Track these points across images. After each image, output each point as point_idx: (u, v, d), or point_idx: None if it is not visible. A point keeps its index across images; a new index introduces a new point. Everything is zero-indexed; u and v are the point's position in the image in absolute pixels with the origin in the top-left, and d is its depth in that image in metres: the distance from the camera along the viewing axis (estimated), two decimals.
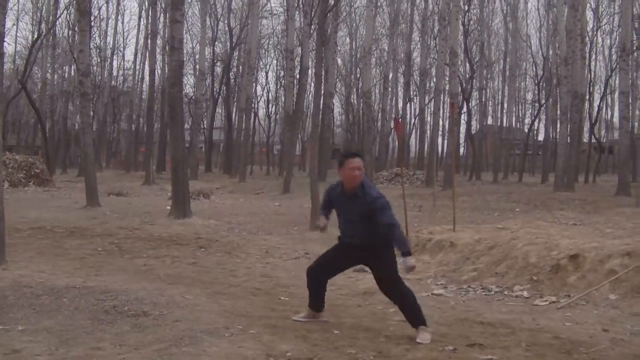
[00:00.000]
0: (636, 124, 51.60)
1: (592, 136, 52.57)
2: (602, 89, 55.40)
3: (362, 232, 6.74)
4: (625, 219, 14.00)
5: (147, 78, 52.46)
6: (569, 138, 33.80)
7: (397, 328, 7.08)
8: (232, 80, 60.44)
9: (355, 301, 8.64)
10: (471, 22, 54.46)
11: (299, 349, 6.12)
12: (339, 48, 58.53)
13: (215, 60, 61.63)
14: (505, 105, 58.39)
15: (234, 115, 57.31)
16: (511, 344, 6.48)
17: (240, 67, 56.82)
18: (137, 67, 58.56)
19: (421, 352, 6.14)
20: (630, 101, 33.25)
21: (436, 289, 9.55)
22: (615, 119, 51.88)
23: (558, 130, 33.35)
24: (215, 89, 61.95)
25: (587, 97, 49.96)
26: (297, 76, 42.42)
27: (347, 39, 64.11)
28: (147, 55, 50.39)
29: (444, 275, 10.39)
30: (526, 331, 7.06)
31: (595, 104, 56.32)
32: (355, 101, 63.06)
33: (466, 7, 51.68)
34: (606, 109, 62.45)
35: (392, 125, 54.14)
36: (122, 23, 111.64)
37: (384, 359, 5.95)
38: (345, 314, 7.74)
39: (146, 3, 52.75)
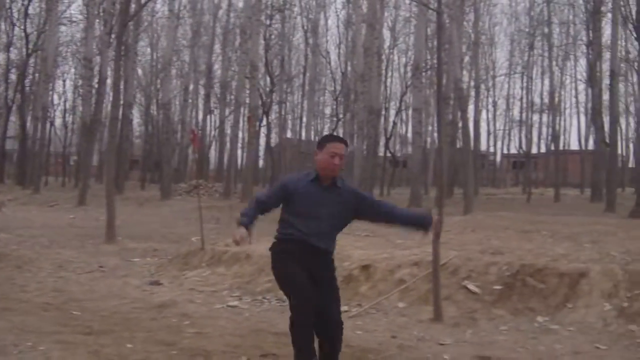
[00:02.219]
0: (429, 139, 53.88)
1: (387, 150, 54.48)
2: (398, 104, 57.58)
3: (330, 235, 5.66)
4: None
5: None
6: (365, 152, 34.88)
7: (191, 341, 7.07)
8: (28, 88, 58.17)
9: (150, 314, 8.53)
10: (272, 36, 55.12)
11: None
12: (140, 58, 57.63)
13: (10, 67, 59.12)
14: (305, 119, 59.47)
15: (28, 124, 55.18)
16: None
17: (37, 74, 54.80)
18: None
19: None
20: (422, 117, 34.77)
21: (231, 301, 9.61)
22: (409, 134, 54.07)
23: (355, 144, 34.31)
24: (9, 97, 59.42)
25: (383, 112, 51.76)
26: (96, 85, 41.43)
27: (148, 49, 63.26)
28: None
29: (239, 287, 10.45)
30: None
31: (391, 119, 58.39)
32: (155, 112, 62.28)
33: (268, 22, 52.27)
34: (401, 124, 64.89)
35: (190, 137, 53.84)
36: None
37: None
38: (139, 328, 7.64)
39: None
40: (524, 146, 54.44)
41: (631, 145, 60.77)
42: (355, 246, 11.30)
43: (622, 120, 58.51)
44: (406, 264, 9.62)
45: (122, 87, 37.44)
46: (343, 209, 5.60)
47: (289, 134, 66.78)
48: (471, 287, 8.93)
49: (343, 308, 8.91)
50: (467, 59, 47.33)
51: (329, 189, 5.57)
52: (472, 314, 8.49)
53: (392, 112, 59.27)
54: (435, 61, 44.29)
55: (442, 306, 8.39)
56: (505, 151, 72.45)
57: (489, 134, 68.19)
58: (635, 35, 34.76)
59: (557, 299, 8.56)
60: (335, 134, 5.74)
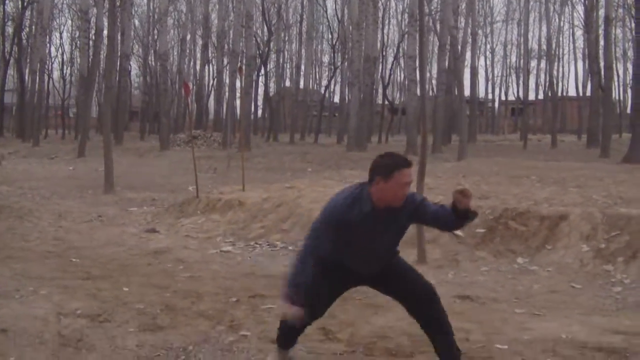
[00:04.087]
0: (427, 86, 53.91)
1: (385, 98, 54.52)
2: (395, 52, 57.49)
3: (391, 252, 4.84)
4: None
5: None
6: (361, 100, 35.01)
7: (184, 284, 7.42)
8: (25, 41, 58.03)
9: (146, 260, 8.88)
10: None
11: (89, 306, 6.35)
12: (136, 9, 57.55)
13: (6, 20, 58.92)
14: (303, 68, 59.44)
15: (26, 77, 55.16)
16: None
17: (33, 27, 54.65)
18: None
19: (205, 305, 6.52)
20: (417, 65, 34.81)
21: (224, 246, 9.96)
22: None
23: (351, 92, 34.48)
24: (6, 50, 59.30)
25: (381, 60, 51.75)
26: (93, 37, 41.42)
27: None
28: None
29: (233, 233, 10.79)
30: None
31: (389, 67, 58.36)
32: (153, 63, 62.21)
33: None
34: (400, 72, 64.81)
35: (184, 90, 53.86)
36: None
37: (170, 312, 6.28)
38: (135, 273, 7.99)
39: None
40: (521, 93, 54.51)
41: (629, 91, 60.80)
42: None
43: (620, 66, 58.59)
44: None
45: (118, 38, 37.58)
46: (404, 224, 4.72)
47: (287, 83, 66.82)
48: (456, 230, 9.24)
49: None
50: (464, 5, 47.24)
51: (394, 211, 4.55)
52: (455, 256, 8.83)
53: (390, 59, 59.26)
54: (432, 8, 44.46)
55: (427, 249, 8.72)
56: (503, 98, 72.61)
57: (487, 80, 68.33)
58: None
59: (537, 241, 8.90)
60: (400, 155, 4.24)
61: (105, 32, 35.15)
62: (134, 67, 64.52)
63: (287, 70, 66.46)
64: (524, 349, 5.31)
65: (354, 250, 4.63)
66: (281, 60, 61.20)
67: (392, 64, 57.92)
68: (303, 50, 57.69)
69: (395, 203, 4.46)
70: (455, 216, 4.46)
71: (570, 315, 6.42)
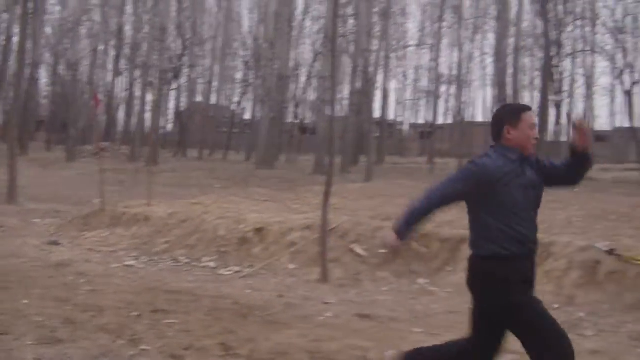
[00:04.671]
0: (338, 106, 54.35)
1: (296, 117, 54.75)
2: (308, 71, 57.77)
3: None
4: (313, 196, 15.06)
5: None
6: (272, 118, 35.08)
7: (85, 297, 7.35)
8: None
9: (47, 273, 8.75)
10: None
11: None
12: (49, 16, 56.46)
13: None
14: (216, 84, 59.22)
15: None
16: (192, 310, 6.99)
17: None
18: None
19: (106, 318, 6.48)
20: (331, 85, 35.11)
21: (128, 261, 9.90)
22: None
23: (262, 110, 34.58)
24: None
25: (294, 79, 51.95)
26: (3, 43, 40.59)
27: (58, 7, 61.91)
28: None
29: (137, 247, 10.73)
30: (209, 298, 7.60)
31: (301, 86, 58.54)
32: (63, 72, 61.11)
33: None
34: (311, 92, 65.03)
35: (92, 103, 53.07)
36: None
37: (70, 325, 6.21)
38: (36, 285, 7.86)
39: None
40: (431, 117, 55.41)
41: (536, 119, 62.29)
42: (251, 210, 11.70)
43: (527, 94, 60.07)
44: (298, 227, 10.05)
45: (29, 45, 36.86)
46: (540, 178, 4.34)
47: (199, 98, 66.47)
48: (358, 250, 9.41)
49: (235, 268, 9.44)
50: (378, 28, 47.83)
51: (535, 165, 4.31)
52: (357, 275, 8.98)
53: (303, 79, 59.52)
54: (346, 30, 44.90)
55: (330, 268, 8.84)
56: (413, 121, 73.62)
57: (398, 103, 69.20)
58: (539, 12, 35.69)
59: (438, 263, 9.12)
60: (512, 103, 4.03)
61: (15, 38, 34.56)
62: (44, 75, 63.18)
63: (200, 85, 66.11)
64: None
65: (518, 209, 4.20)
66: (194, 75, 60.76)
67: (305, 84, 58.20)
68: (216, 66, 57.59)
69: (529, 147, 4.23)
70: (577, 160, 4.26)
71: (467, 335, 6.59)
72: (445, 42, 55.56)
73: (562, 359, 4.04)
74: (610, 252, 8.38)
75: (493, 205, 4.21)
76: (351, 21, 38.82)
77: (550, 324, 4.13)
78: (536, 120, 4.43)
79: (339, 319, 6.98)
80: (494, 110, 4.42)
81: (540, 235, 8.87)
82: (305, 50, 60.95)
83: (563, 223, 11.21)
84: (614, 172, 41.83)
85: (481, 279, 4.49)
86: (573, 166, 4.29)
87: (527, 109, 4.36)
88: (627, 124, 45.41)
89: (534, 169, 4.25)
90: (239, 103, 59.82)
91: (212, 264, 9.63)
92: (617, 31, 43.21)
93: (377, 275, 8.98)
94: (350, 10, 37.75)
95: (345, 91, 49.02)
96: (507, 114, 4.33)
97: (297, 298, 7.86)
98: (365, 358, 5.56)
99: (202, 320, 6.57)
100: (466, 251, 8.98)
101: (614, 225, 11.25)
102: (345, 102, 42.40)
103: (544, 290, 8.15)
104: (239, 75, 66.19)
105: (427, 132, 61.40)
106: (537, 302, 4.25)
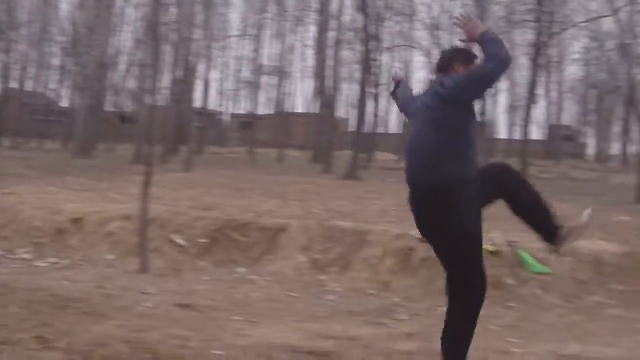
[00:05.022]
0: (159, 95, 53.56)
1: (116, 105, 53.66)
2: (129, 59, 56.62)
3: None
4: (132, 186, 14.81)
5: None
6: (90, 106, 34.24)
7: None
8: None
9: None
10: None
11: None
12: None
13: None
14: (32, 70, 57.10)
15: None
16: (7, 303, 6.76)
17: None
18: None
19: None
20: (152, 73, 34.61)
21: None
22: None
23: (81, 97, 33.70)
24: None
25: (113, 66, 50.83)
26: None
27: None
28: None
29: None
30: (24, 290, 7.36)
31: (122, 74, 57.34)
32: None
33: None
34: (132, 80, 63.74)
35: None
36: None
37: None
38: None
39: None
40: (251, 107, 55.70)
41: (353, 110, 63.76)
42: (69, 200, 11.41)
43: (346, 86, 61.40)
44: (117, 217, 9.92)
45: None
46: None
47: (13, 85, 63.80)
48: (178, 240, 9.41)
49: (52, 259, 9.21)
50: (200, 17, 47.52)
51: None
52: (177, 265, 8.98)
53: (123, 66, 58.33)
54: (168, 18, 44.36)
55: (149, 258, 8.78)
56: (234, 111, 73.62)
57: (219, 93, 69.02)
58: (359, 6, 36.44)
59: (258, 252, 9.27)
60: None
61: None
62: None
63: (14, 71, 63.45)
64: (240, 354, 5.49)
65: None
66: (8, 60, 58.22)
67: (125, 71, 57.06)
68: (33, 52, 55.55)
69: None
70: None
71: (286, 322, 6.74)
72: (267, 33, 56.01)
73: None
74: (422, 240, 8.76)
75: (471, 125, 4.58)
76: (173, 9, 38.36)
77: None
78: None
79: (158, 308, 6.94)
80: (449, 47, 5.00)
81: (357, 224, 9.24)
82: (126, 37, 59.83)
83: (379, 212, 11.62)
84: None
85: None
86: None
87: (477, 57, 4.66)
88: None
89: None
90: (56, 90, 57.97)
91: (27, 256, 9.33)
92: (433, 27, 44.99)
93: (197, 265, 9.01)
94: None
95: (166, 80, 48.43)
96: (462, 54, 4.74)
97: (116, 289, 7.76)
98: (184, 347, 5.56)
99: (17, 314, 6.37)
100: (285, 239, 9.22)
101: None
102: (166, 91, 41.97)
103: (360, 277, 8.47)
104: (56, 62, 64.21)
105: (247, 122, 61.58)
106: None
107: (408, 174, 4.75)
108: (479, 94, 4.82)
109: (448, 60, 4.76)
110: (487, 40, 4.38)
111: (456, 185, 4.43)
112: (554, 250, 4.76)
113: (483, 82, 4.47)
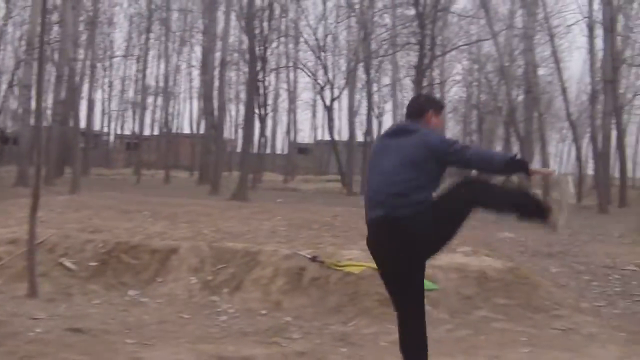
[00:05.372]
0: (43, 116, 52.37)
1: None
2: (10, 79, 55.14)
3: None
4: (17, 209, 14.51)
5: None
6: None
7: None
8: None
9: None
10: None
11: None
12: None
13: None
14: None
15: None
16: None
17: None
18: None
19: None
20: (32, 94, 33.89)
21: None
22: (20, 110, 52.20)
23: None
24: None
25: None
26: None
27: None
28: None
29: None
30: None
31: (1, 94, 55.81)
32: None
33: None
34: (13, 100, 62.05)
35: None
36: None
37: None
38: None
39: None
40: (137, 128, 55.11)
41: (240, 131, 63.87)
42: None
43: (233, 107, 61.53)
44: (3, 241, 9.72)
45: None
46: None
47: None
48: (67, 263, 9.28)
49: None
50: (84, 37, 46.80)
51: None
52: (67, 289, 8.84)
53: (4, 87, 56.79)
54: (51, 37, 43.53)
55: (38, 283, 8.63)
56: (119, 132, 72.65)
57: (103, 114, 68.01)
58: (245, 28, 36.64)
59: (149, 274, 9.23)
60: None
61: None
62: None
63: None
64: None
65: None
66: None
67: (5, 92, 55.56)
68: None
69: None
70: None
71: (179, 344, 6.77)
72: (152, 53, 55.64)
73: None
74: (313, 259, 8.93)
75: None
76: (56, 28, 37.68)
77: None
78: None
79: (49, 334, 6.86)
80: (420, 94, 5.44)
81: (247, 245, 9.33)
82: (6, 56, 58.35)
83: (268, 233, 11.73)
84: (317, 183, 44.05)
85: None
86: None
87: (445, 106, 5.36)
88: (327, 137, 47.93)
89: None
90: None
91: None
92: (318, 49, 45.61)
93: (88, 288, 8.90)
94: (55, 17, 36.66)
95: (49, 100, 47.47)
96: (433, 102, 5.28)
97: (4, 314, 7.60)
98: None
99: None
100: (176, 261, 9.22)
101: (317, 233, 11.96)
102: (49, 112, 41.08)
103: (252, 297, 8.55)
104: None
105: (133, 143, 60.95)
106: None
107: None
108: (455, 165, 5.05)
109: (421, 108, 5.15)
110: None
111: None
112: (553, 227, 4.92)
113: (460, 161, 4.83)
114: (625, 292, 10.42)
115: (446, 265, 9.29)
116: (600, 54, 36.12)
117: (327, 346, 7.08)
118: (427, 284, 8.63)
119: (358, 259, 9.10)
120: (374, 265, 8.70)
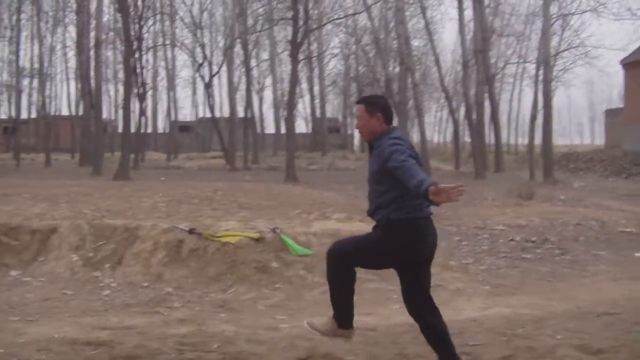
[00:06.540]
0: None
1: None
2: None
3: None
4: None
5: None
6: None
7: None
8: None
9: None
10: None
11: None
12: None
13: None
14: None
15: None
16: None
17: None
18: None
19: None
20: None
21: None
22: None
23: None
24: None
25: None
26: None
27: None
28: None
29: None
30: None
31: None
32: None
33: None
34: None
35: None
36: None
37: None
38: None
39: None
40: (13, 112, 53.68)
41: (120, 111, 62.86)
42: None
43: (112, 87, 60.54)
44: None
45: None
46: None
47: None
48: None
49: None
50: None
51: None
52: None
53: None
54: None
55: None
56: None
57: None
58: (118, 6, 36.12)
59: (30, 254, 9.38)
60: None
61: None
62: None
63: None
64: (20, 351, 5.72)
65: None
66: None
67: None
68: None
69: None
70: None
71: (63, 318, 7.00)
72: (25, 34, 54.12)
73: None
74: (191, 231, 9.24)
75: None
76: None
77: None
78: (359, 113, 5.11)
79: None
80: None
81: (127, 221, 9.56)
82: None
83: (148, 209, 11.97)
84: (200, 161, 44.01)
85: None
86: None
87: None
88: (208, 115, 47.86)
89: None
90: None
91: None
92: (195, 26, 45.37)
93: None
94: None
95: None
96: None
97: None
98: None
99: None
100: (57, 240, 9.36)
101: (197, 207, 12.28)
102: None
103: (133, 271, 8.81)
104: None
105: (10, 128, 59.35)
106: None
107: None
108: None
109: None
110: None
111: None
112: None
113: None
114: (492, 250, 11.11)
115: (320, 231, 9.77)
116: (471, 25, 37.35)
117: (207, 312, 7.44)
118: (301, 249, 9.09)
119: (235, 229, 9.47)
120: (250, 234, 9.14)
